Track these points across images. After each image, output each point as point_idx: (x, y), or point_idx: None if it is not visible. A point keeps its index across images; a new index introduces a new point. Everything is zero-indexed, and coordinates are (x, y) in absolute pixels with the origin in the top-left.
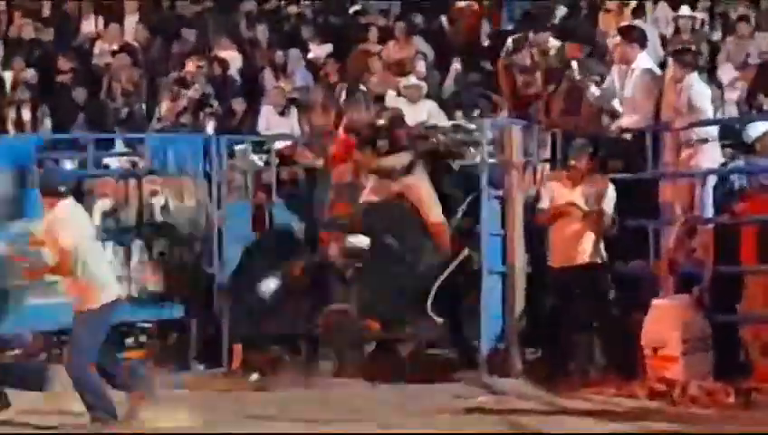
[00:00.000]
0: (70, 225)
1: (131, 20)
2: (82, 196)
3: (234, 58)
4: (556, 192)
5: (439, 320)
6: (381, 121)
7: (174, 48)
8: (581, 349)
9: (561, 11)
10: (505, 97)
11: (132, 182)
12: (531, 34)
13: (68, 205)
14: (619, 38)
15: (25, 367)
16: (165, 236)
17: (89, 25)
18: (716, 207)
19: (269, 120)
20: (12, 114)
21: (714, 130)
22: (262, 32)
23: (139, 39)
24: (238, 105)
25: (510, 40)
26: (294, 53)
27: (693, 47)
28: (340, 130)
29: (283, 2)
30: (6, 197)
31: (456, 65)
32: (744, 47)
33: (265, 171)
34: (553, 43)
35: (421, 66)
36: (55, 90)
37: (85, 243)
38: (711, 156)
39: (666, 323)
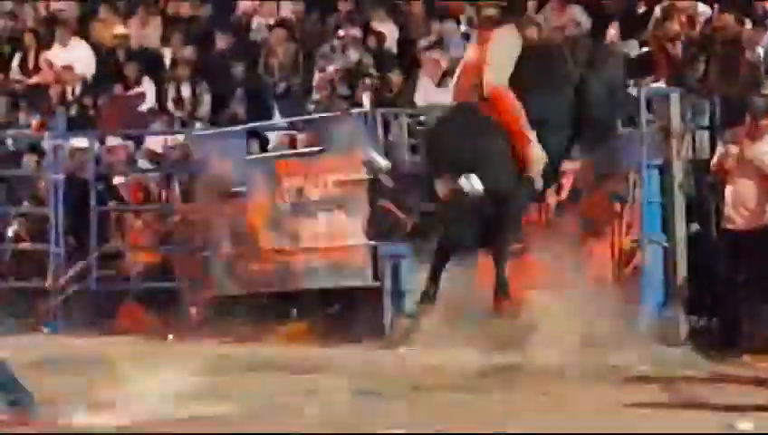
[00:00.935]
0: None
1: None
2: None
3: (390, 30)
4: (736, 150)
5: None
6: None
7: (329, 21)
8: (752, 316)
9: None
10: (660, 65)
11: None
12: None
13: None
14: None
15: None
16: None
17: (245, 1)
18: None
19: (427, 93)
20: (171, 91)
21: None
22: (418, 3)
23: (295, 12)
24: (395, 77)
25: (658, 8)
26: (450, 24)
27: None
28: None
29: None
30: None
31: (613, 32)
32: None
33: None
34: (703, 9)
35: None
36: (213, 66)
37: None
38: None
39: None
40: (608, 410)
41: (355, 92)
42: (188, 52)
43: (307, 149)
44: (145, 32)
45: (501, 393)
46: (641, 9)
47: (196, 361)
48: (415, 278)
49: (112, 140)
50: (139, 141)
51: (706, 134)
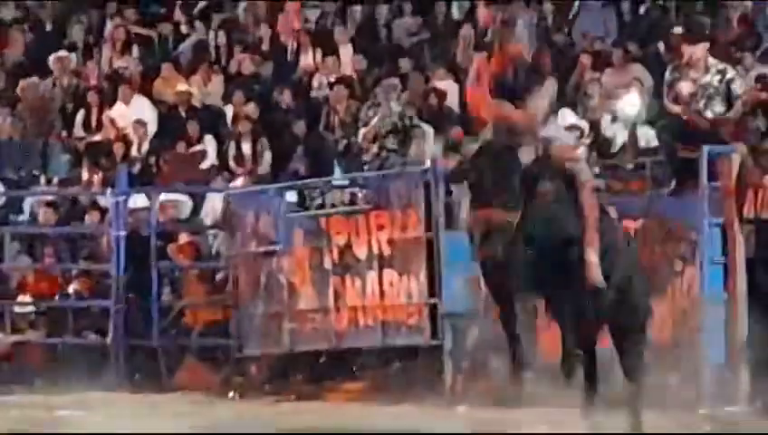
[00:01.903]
0: None
1: (346, 51)
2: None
3: (451, 88)
4: None
5: None
6: None
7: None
8: None
9: None
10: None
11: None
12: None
13: None
14: None
15: None
16: None
17: (307, 58)
18: None
19: None
20: (232, 148)
21: None
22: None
23: (356, 70)
24: (455, 134)
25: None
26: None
27: None
28: None
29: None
30: None
31: None
32: None
33: None
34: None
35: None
36: (275, 123)
37: None
38: None
39: None
40: None
41: (405, 146)
42: (250, 109)
43: (354, 207)
44: (207, 89)
45: None
46: None
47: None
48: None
49: (172, 197)
50: (200, 198)
51: None
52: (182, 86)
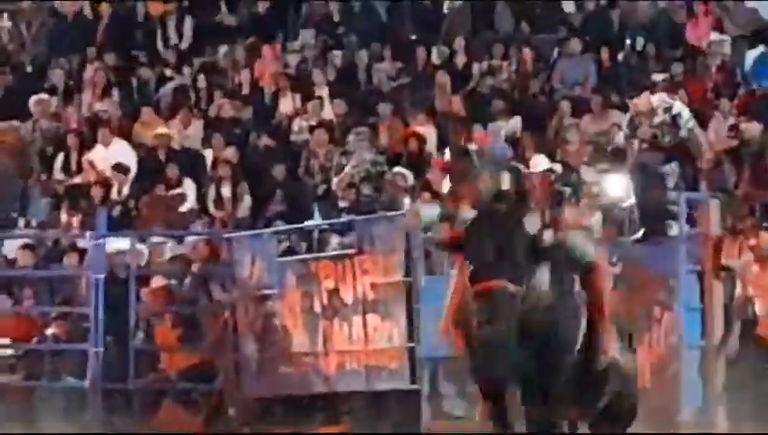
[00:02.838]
0: None
1: (324, 94)
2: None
3: (430, 133)
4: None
5: None
6: None
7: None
8: None
9: None
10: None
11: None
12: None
13: None
14: None
15: None
16: None
17: (286, 103)
18: None
19: None
20: (212, 192)
21: None
22: (457, 104)
23: (336, 114)
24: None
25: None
26: (495, 126)
27: None
28: None
29: (479, 78)
30: None
31: None
32: None
33: None
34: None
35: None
36: (254, 167)
37: None
38: None
39: None
40: None
41: (381, 193)
42: (229, 153)
43: (341, 252)
44: (186, 132)
45: None
46: None
47: None
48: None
49: (152, 241)
50: (179, 242)
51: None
52: (162, 129)
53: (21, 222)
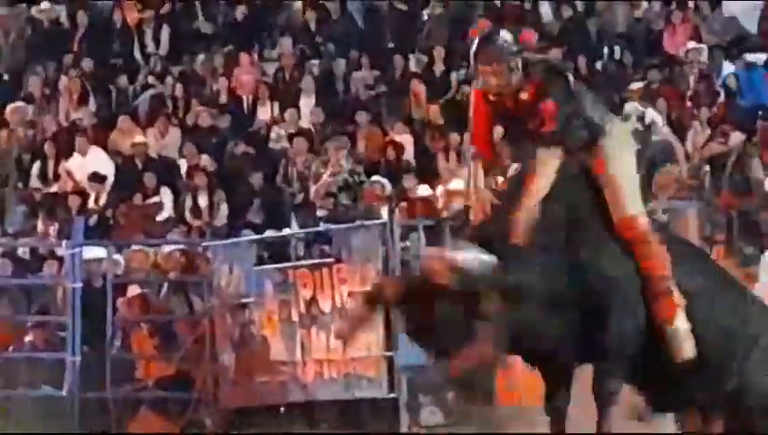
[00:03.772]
0: None
1: (306, 103)
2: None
3: (408, 141)
4: None
5: None
6: None
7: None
8: None
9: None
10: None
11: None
12: None
13: None
14: None
15: None
16: None
17: (264, 111)
18: None
19: None
20: (188, 201)
21: None
22: (434, 112)
23: (314, 123)
24: (410, 185)
25: None
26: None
27: None
28: None
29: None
30: None
31: None
32: None
33: None
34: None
35: None
36: (231, 175)
37: None
38: None
39: None
40: None
41: (357, 202)
42: (206, 161)
43: (318, 260)
44: (164, 141)
45: None
46: None
47: None
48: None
49: (129, 250)
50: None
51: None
52: (139, 138)
53: None
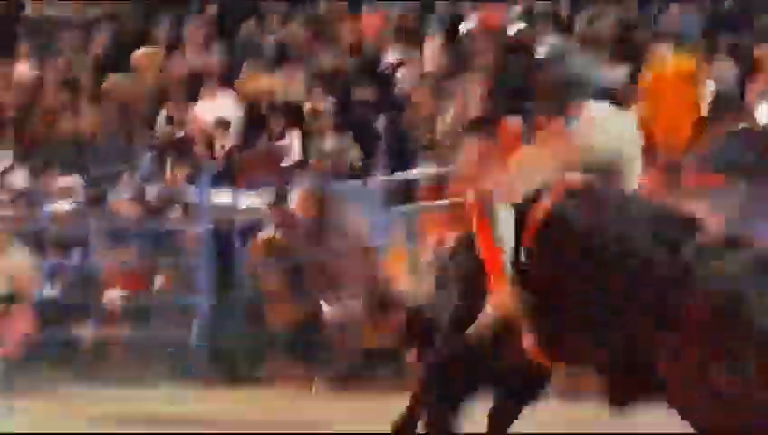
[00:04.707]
0: None
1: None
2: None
3: None
4: None
5: None
6: None
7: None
8: None
9: None
10: None
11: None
12: None
13: None
14: None
15: None
16: None
17: (390, 54)
18: None
19: None
20: (316, 144)
21: None
22: None
23: (439, 66)
24: None
25: None
26: None
27: None
28: None
29: None
30: None
31: None
32: None
33: None
34: None
35: None
36: (357, 119)
37: None
38: None
39: None
40: None
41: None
42: (330, 104)
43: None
44: (290, 85)
45: None
46: None
47: None
48: None
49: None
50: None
51: None
52: (265, 82)
53: (126, 176)
